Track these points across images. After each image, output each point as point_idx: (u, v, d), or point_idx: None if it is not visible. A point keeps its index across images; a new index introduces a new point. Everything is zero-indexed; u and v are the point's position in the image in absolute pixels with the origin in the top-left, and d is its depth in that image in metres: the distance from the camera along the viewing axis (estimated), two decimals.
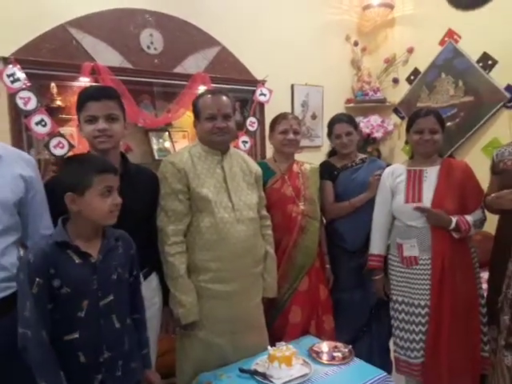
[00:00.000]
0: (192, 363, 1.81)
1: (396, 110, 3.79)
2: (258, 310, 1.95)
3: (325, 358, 1.80)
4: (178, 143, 2.98)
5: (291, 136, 2.21)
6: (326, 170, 2.34)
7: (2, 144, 1.46)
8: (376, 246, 2.15)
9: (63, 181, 1.34)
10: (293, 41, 3.40)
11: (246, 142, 3.12)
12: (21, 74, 2.26)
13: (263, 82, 3.18)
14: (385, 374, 1.72)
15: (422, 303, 2.00)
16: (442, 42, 3.39)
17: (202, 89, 2.77)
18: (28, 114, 2.28)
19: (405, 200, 2.04)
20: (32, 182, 1.45)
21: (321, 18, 3.62)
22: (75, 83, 2.51)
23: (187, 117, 2.81)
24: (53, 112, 2.45)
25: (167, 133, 3.00)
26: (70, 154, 2.35)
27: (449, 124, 3.13)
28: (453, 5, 3.29)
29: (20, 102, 2.27)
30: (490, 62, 3.13)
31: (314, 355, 1.81)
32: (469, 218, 1.95)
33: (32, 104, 2.28)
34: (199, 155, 1.85)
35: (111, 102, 1.62)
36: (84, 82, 2.45)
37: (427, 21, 3.46)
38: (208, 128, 1.83)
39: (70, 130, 2.49)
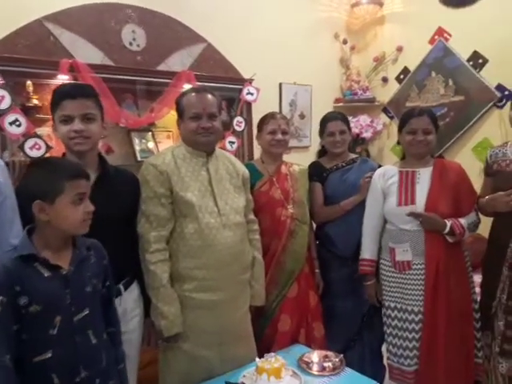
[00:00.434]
0: (176, 377, 1.73)
1: (385, 110, 3.75)
2: (246, 319, 1.87)
3: (315, 368, 1.74)
4: (162, 144, 2.90)
5: (280, 136, 2.15)
6: (315, 172, 2.28)
7: None
8: (367, 251, 2.09)
9: (30, 187, 1.23)
10: (281, 38, 3.35)
11: (233, 143, 3.05)
12: None
13: (250, 81, 3.12)
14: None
15: (416, 309, 1.95)
16: (432, 41, 3.36)
17: (186, 87, 2.68)
18: (1, 114, 2.17)
19: (397, 203, 1.98)
20: (0, 188, 1.35)
21: (309, 16, 3.57)
22: (53, 81, 2.40)
23: (171, 116, 2.71)
24: (29, 111, 2.34)
25: (150, 133, 2.92)
26: (48, 155, 2.25)
27: (439, 124, 3.09)
28: (443, 2, 3.26)
29: None
30: (480, 61, 3.11)
31: (303, 366, 1.75)
32: (463, 221, 1.91)
33: (6, 103, 2.17)
34: (183, 157, 1.77)
35: (88, 100, 1.53)
36: (62, 79, 2.35)
37: (417, 18, 3.43)
38: (192, 128, 1.75)
39: (47, 130, 2.37)
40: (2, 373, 1.10)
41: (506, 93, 2.99)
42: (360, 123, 3.62)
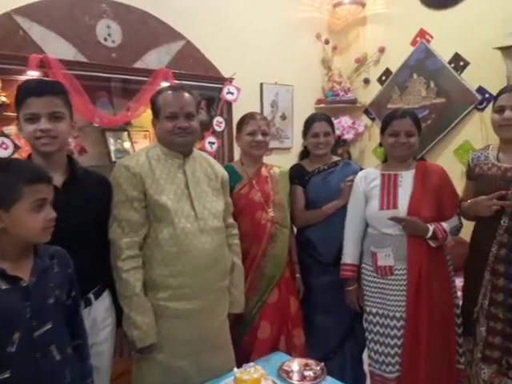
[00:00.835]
0: None
1: (367, 111, 3.73)
2: (224, 327, 1.80)
3: (295, 377, 1.69)
4: (139, 144, 2.81)
5: (259, 137, 2.09)
6: (297, 175, 2.23)
7: None
8: (349, 255, 2.04)
9: None
10: (262, 38, 3.30)
11: (213, 143, 2.98)
12: None
13: (231, 80, 3.05)
14: None
15: (398, 315, 1.91)
16: (413, 42, 3.35)
17: (164, 85, 2.59)
18: None
19: (379, 207, 1.94)
20: None
21: (291, 15, 3.53)
22: (22, 77, 2.26)
23: (148, 115, 2.61)
24: None
25: (126, 133, 2.82)
26: (16, 155, 2.14)
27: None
28: (425, 4, 3.25)
29: None
30: (461, 63, 3.11)
31: (283, 375, 1.69)
32: (445, 225, 1.88)
33: None
34: (158, 158, 1.69)
35: (56, 97, 1.44)
36: (32, 76, 2.23)
37: (399, 20, 3.41)
38: (168, 128, 1.67)
39: (15, 129, 2.25)
40: None
41: (487, 95, 2.98)
42: (341, 125, 3.59)
